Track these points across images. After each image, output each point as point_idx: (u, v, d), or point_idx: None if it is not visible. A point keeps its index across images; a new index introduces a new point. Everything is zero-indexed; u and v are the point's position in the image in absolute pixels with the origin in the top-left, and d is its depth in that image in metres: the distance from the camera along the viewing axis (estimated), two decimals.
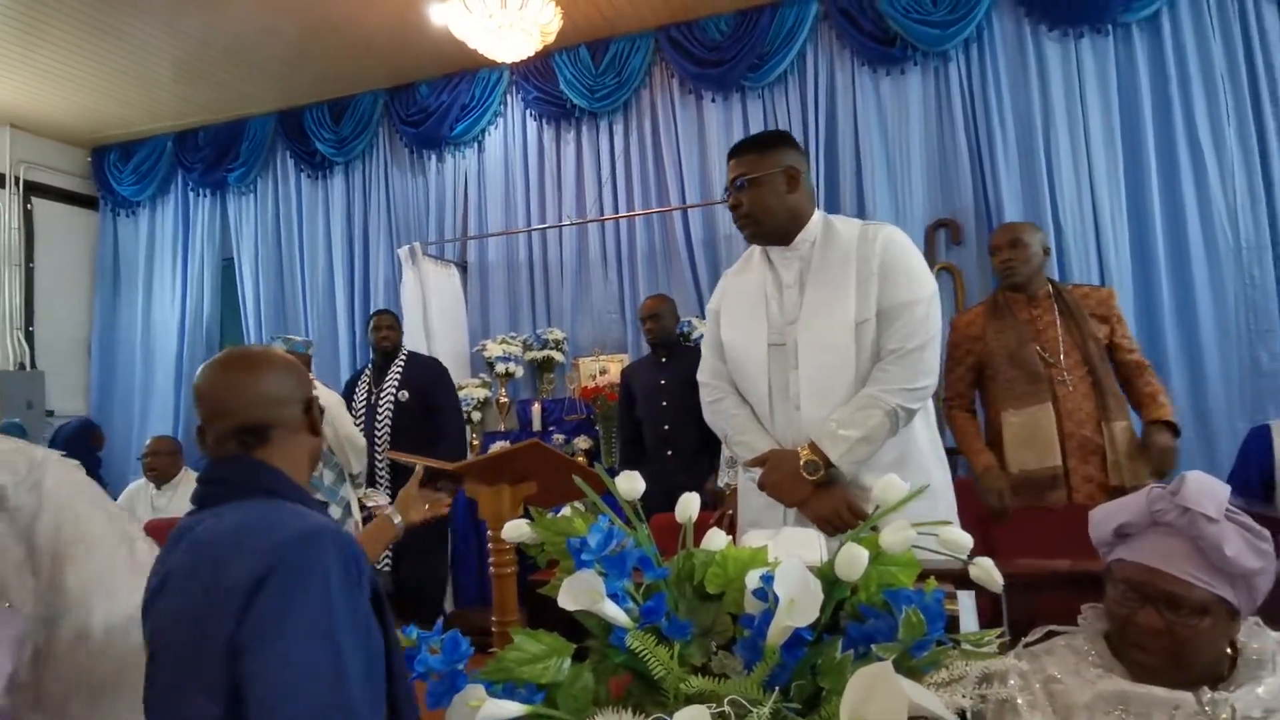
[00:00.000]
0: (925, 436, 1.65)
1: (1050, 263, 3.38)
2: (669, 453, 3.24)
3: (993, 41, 3.76)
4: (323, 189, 5.03)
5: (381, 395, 3.55)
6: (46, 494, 1.13)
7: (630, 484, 1.04)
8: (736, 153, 1.68)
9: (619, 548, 0.93)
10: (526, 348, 4.37)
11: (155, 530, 1.42)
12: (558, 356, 4.35)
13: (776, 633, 0.82)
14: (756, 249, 1.75)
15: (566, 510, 1.05)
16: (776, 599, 0.83)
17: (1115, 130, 3.58)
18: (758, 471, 1.60)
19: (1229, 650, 0.99)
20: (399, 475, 3.48)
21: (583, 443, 3.98)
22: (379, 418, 3.52)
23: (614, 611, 0.88)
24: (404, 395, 3.51)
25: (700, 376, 1.80)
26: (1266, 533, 0.98)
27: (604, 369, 4.23)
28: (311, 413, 1.07)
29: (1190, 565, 0.96)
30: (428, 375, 3.60)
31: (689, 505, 1.06)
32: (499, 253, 4.63)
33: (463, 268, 4.68)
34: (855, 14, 3.92)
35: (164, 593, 0.89)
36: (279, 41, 4.17)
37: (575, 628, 0.96)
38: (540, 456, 1.64)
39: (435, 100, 4.68)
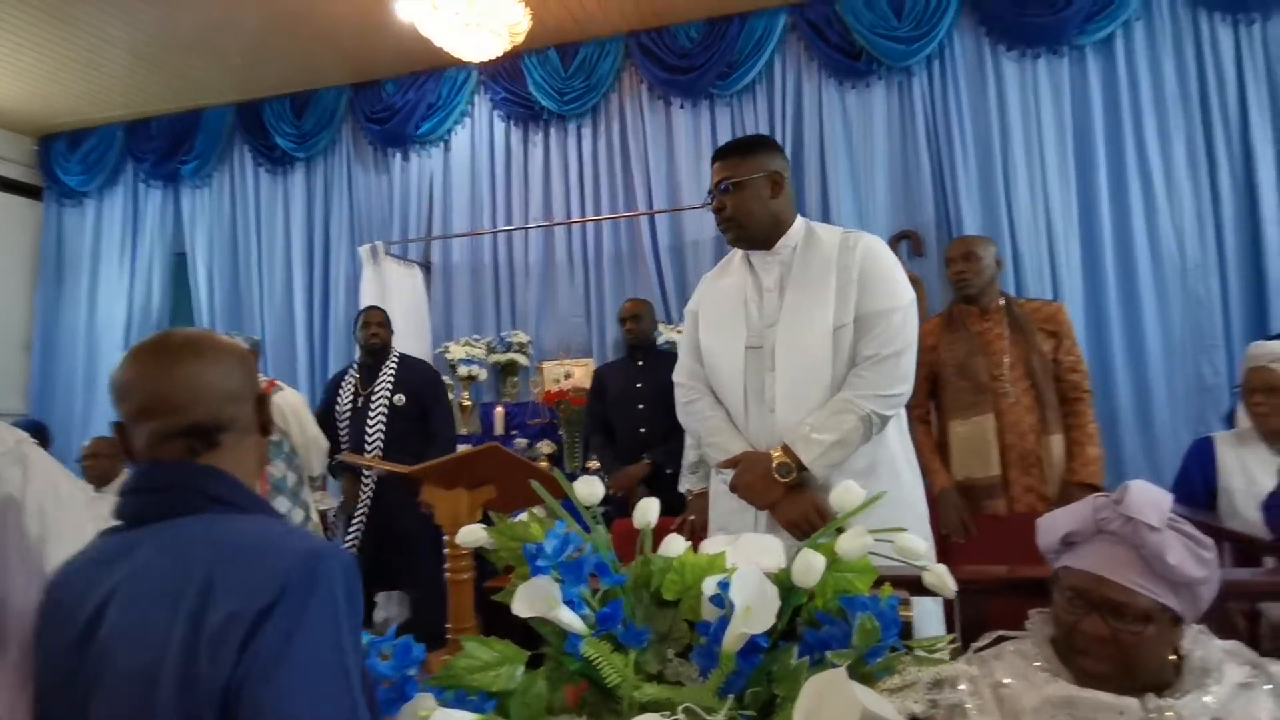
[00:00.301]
0: (898, 443, 1.66)
1: (1006, 275, 3.46)
2: (644, 456, 3.24)
3: (954, 59, 3.85)
4: (282, 184, 4.91)
5: (373, 399, 3.26)
6: (31, 471, 1.08)
7: (589, 489, 1.03)
8: (721, 156, 1.68)
9: (576, 553, 0.91)
10: (490, 350, 4.32)
11: None
12: (522, 360, 4.30)
13: (732, 639, 0.82)
14: (737, 253, 1.76)
15: (524, 516, 1.04)
16: (733, 606, 0.83)
17: (1068, 148, 3.69)
18: (730, 474, 1.60)
19: (1174, 657, 1.01)
20: (383, 485, 3.23)
21: (546, 447, 3.94)
22: (370, 422, 3.24)
23: (569, 618, 0.86)
24: (400, 399, 3.25)
25: (676, 377, 1.79)
26: (1209, 541, 1.00)
27: (569, 373, 4.20)
28: (263, 410, 0.96)
29: (1134, 573, 0.98)
30: (422, 379, 3.37)
31: (647, 510, 1.05)
32: (464, 254, 4.57)
33: (426, 268, 4.61)
34: (822, 27, 3.98)
35: (110, 623, 0.77)
36: (240, 32, 4.06)
37: (533, 634, 0.95)
38: (500, 460, 1.62)
39: (401, 98, 4.61)
